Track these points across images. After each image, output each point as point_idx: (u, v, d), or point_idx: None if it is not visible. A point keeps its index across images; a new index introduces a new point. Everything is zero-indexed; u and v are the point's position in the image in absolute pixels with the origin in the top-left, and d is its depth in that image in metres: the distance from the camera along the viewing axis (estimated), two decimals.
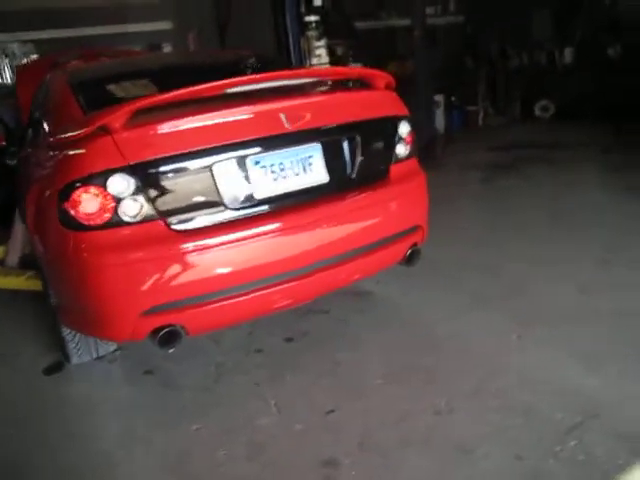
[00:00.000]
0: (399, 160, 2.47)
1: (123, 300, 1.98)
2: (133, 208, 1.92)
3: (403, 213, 2.48)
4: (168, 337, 2.00)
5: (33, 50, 7.21)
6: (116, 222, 1.93)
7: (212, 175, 2.00)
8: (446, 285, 3.15)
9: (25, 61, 6.76)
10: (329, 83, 2.50)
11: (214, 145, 2.01)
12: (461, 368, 2.33)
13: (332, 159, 2.25)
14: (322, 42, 5.33)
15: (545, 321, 2.62)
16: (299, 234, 2.15)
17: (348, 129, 2.28)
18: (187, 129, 1.98)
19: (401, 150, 2.47)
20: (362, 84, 2.48)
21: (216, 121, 2.02)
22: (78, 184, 1.90)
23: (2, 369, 2.79)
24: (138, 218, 1.94)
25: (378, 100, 2.44)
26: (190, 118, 1.98)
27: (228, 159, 2.04)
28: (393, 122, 2.43)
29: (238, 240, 2.04)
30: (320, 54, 5.33)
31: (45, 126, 2.56)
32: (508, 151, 6.48)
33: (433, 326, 2.75)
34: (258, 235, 2.07)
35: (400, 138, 2.46)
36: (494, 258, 3.45)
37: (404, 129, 2.47)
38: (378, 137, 2.42)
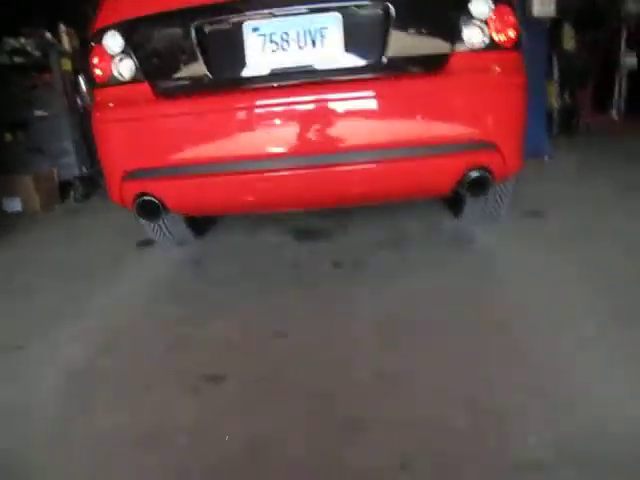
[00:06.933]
0: (469, 49, 1.77)
1: (111, 160, 1.99)
2: (124, 67, 1.88)
3: (459, 121, 1.80)
4: (145, 206, 1.94)
5: None
6: (114, 81, 1.92)
7: (199, 40, 1.79)
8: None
9: None
10: None
11: (201, 4, 1.78)
12: (464, 342, 1.63)
13: (355, 35, 1.76)
14: None
15: None
16: (292, 119, 1.79)
17: None
18: None
19: (474, 36, 1.76)
20: None
21: None
22: (91, 42, 1.95)
23: (115, 239, 3.14)
24: (128, 78, 1.89)
25: None
26: None
27: (219, 22, 1.79)
28: None
29: (218, 112, 1.82)
30: None
31: None
32: None
33: (490, 298, 2.00)
34: (242, 110, 1.81)
35: (472, 18, 1.76)
36: None
37: (482, 7, 1.75)
38: (429, 13, 1.78)
